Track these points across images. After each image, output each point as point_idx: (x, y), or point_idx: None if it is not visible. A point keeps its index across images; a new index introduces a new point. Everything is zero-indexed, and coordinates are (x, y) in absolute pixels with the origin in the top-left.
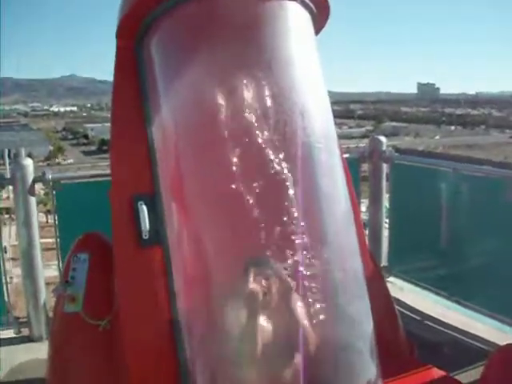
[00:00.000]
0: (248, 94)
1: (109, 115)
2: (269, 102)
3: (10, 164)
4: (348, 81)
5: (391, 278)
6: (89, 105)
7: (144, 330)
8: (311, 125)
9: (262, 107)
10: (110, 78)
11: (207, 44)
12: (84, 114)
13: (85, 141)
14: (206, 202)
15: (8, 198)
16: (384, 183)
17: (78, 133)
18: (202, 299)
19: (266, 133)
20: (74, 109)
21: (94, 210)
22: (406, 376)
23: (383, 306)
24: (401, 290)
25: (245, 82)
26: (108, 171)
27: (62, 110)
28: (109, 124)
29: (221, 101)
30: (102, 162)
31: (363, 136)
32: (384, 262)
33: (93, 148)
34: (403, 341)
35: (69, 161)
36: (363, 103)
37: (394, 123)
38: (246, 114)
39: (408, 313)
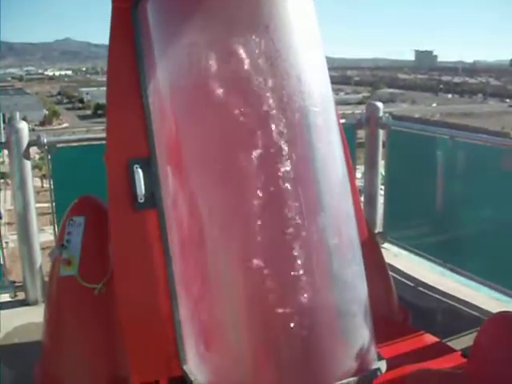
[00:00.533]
0: (244, 57)
1: (104, 79)
2: (265, 65)
3: (4, 128)
4: (345, 47)
5: (386, 245)
6: (84, 69)
7: (139, 293)
8: (308, 89)
9: (258, 70)
10: (104, 41)
11: (203, 6)
12: (79, 78)
13: (80, 105)
14: (201, 166)
15: (2, 162)
16: (380, 150)
17: (73, 97)
18: (196, 262)
19: (262, 96)
20: (69, 73)
21: (89, 173)
22: (399, 342)
23: (377, 273)
24: (395, 256)
25: (241, 44)
26: (104, 135)
27: (57, 73)
28: (104, 88)
29: (216, 63)
30: (97, 126)
31: (359, 102)
32: (379, 229)
33: (88, 112)
34: (397, 307)
35: (64, 125)
36: (360, 69)
37: (390, 90)
38: (242, 77)
39: (402, 279)
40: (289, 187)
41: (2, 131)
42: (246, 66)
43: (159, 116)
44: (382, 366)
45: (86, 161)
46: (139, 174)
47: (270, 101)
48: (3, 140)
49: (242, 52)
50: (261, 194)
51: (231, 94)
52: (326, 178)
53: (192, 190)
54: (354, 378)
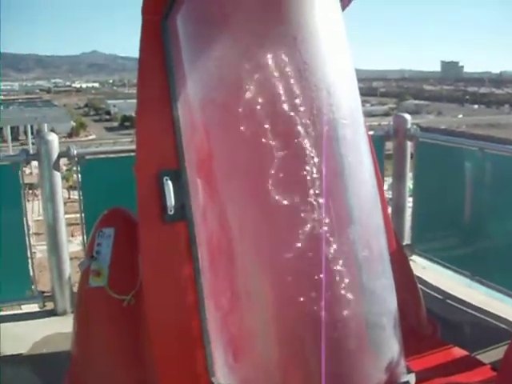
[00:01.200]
0: (274, 69)
1: (131, 92)
2: (295, 78)
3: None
4: (371, 58)
5: (414, 257)
6: (111, 81)
7: (167, 305)
8: (337, 101)
9: (287, 83)
10: (131, 54)
11: (233, 18)
12: (106, 90)
13: (107, 117)
14: (231, 178)
15: (31, 173)
16: (408, 161)
17: (100, 109)
18: (226, 274)
19: (291, 109)
20: (96, 85)
21: (118, 185)
22: (428, 355)
23: (406, 285)
24: (423, 268)
25: (271, 56)
26: (132, 147)
27: (85, 86)
28: (131, 100)
29: (246, 76)
30: (124, 138)
31: (385, 114)
32: (407, 241)
33: (115, 124)
34: (425, 320)
35: (91, 137)
36: (386, 80)
37: (416, 101)
38: (272, 90)
39: (430, 292)
40: (319, 200)
41: (31, 143)
42: (275, 79)
43: (189, 128)
44: (412, 379)
45: (114, 172)
46: (169, 185)
47: (300, 114)
48: (31, 152)
49: (271, 64)
50: (291, 208)
51: (261, 107)
52: (356, 191)
53: (222, 202)
54: None
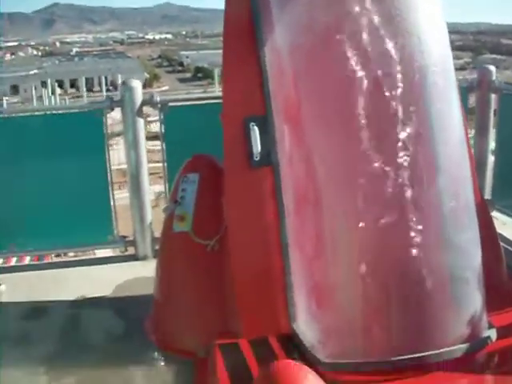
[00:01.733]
0: (364, 15)
1: (204, 43)
2: (385, 24)
3: (106, 91)
4: (447, 11)
5: (494, 213)
6: (184, 32)
7: (252, 251)
8: (428, 48)
9: (377, 29)
10: (204, 5)
11: None
12: (179, 42)
13: (180, 68)
14: (319, 124)
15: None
16: (492, 115)
17: (173, 60)
18: (311, 221)
19: (381, 54)
20: (169, 36)
21: (200, 133)
22: (508, 311)
23: (488, 240)
24: (504, 224)
25: (360, 2)
26: (216, 94)
27: (158, 37)
28: (204, 51)
29: (336, 21)
30: (196, 90)
31: (461, 68)
32: (487, 196)
33: (188, 75)
34: (506, 276)
35: (164, 88)
36: (462, 34)
37: (493, 56)
38: (362, 35)
39: (510, 248)
40: (408, 147)
41: (104, 94)
42: (365, 25)
43: (277, 74)
44: (493, 334)
45: (197, 120)
46: (255, 131)
47: (390, 60)
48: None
49: (361, 10)
50: (379, 155)
51: (350, 53)
52: (444, 139)
53: (309, 148)
54: (465, 345)
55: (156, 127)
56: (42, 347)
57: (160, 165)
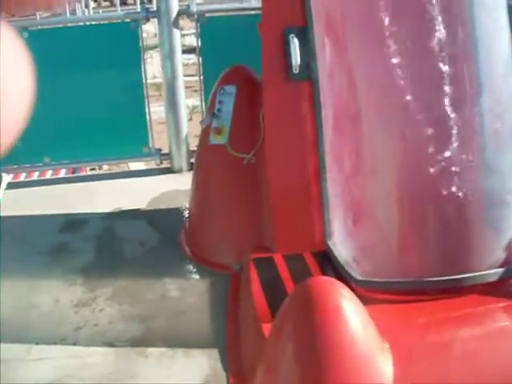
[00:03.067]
0: None
1: None
2: None
3: (140, 3)
4: None
5: None
6: None
7: (289, 165)
8: None
9: None
10: None
11: None
12: None
13: None
14: (362, 37)
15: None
16: None
17: None
18: (350, 137)
19: None
20: None
21: (238, 45)
22: None
23: None
24: None
25: None
26: (255, 5)
27: None
28: None
29: None
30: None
31: None
32: None
33: None
34: None
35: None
36: None
37: None
38: None
39: None
40: (451, 65)
41: (139, 7)
42: None
43: None
44: None
45: (234, 31)
46: (295, 43)
47: None
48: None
49: None
50: (423, 72)
51: None
52: (491, 58)
53: (351, 62)
54: (500, 270)
55: (189, 40)
56: (79, 259)
57: (193, 78)
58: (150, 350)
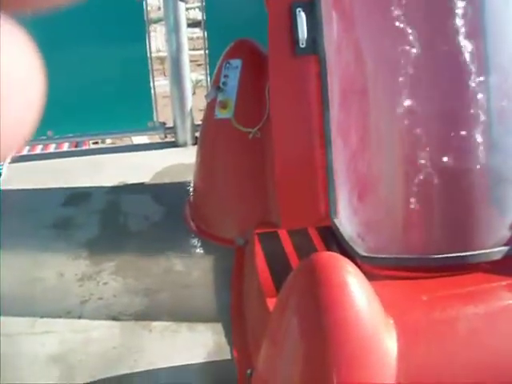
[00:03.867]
0: None
1: None
2: None
3: None
4: None
5: None
6: None
7: (294, 141)
8: None
9: None
10: None
11: None
12: None
13: None
14: (370, 12)
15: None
16: None
17: None
18: (357, 112)
19: None
20: None
21: (244, 18)
22: None
23: None
24: None
25: None
26: None
27: None
28: None
29: None
30: None
31: None
32: None
33: None
34: None
35: None
36: None
37: None
38: None
39: None
40: (460, 40)
41: None
42: None
43: None
44: None
45: (239, 4)
46: (302, 17)
47: None
48: None
49: None
50: (430, 47)
51: None
52: (500, 35)
53: (358, 37)
54: (506, 248)
55: (193, 14)
56: (83, 232)
57: (197, 52)
58: (155, 323)
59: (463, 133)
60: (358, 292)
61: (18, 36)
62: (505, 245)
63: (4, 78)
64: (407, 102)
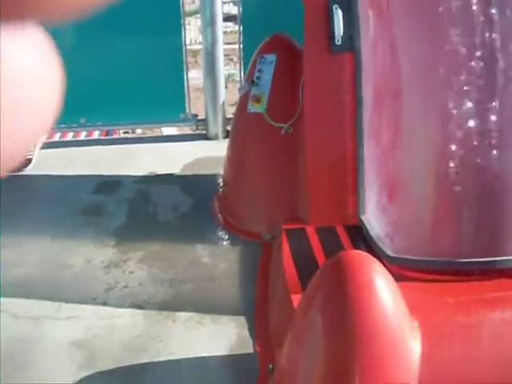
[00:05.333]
0: None
1: None
2: None
3: None
4: None
5: None
6: None
7: (327, 138)
8: None
9: None
10: None
11: None
12: None
13: None
14: (408, 12)
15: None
16: None
17: None
18: (390, 111)
19: None
20: None
21: (280, 14)
22: None
23: None
24: None
25: None
26: None
27: None
28: None
29: None
30: None
31: None
32: None
33: None
34: None
35: None
36: None
37: None
38: None
39: None
40: (498, 40)
41: None
42: None
43: None
44: None
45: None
46: (338, 14)
47: None
48: None
49: None
50: (465, 49)
51: None
52: None
53: (395, 37)
54: None
55: (226, 8)
56: (111, 220)
57: (230, 47)
58: (179, 314)
59: (499, 133)
60: (384, 292)
61: (35, 37)
62: None
63: (22, 75)
64: (441, 104)
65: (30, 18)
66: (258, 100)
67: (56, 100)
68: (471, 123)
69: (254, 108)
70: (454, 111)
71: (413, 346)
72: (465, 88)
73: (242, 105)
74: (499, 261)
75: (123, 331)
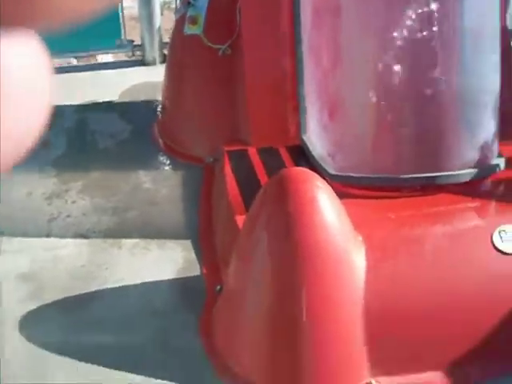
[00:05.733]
0: None
1: None
2: None
3: None
4: None
5: None
6: None
7: (266, 58)
8: None
9: None
10: None
11: None
12: None
13: None
14: None
15: None
16: None
17: None
18: (329, 30)
19: None
20: None
21: None
22: None
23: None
24: None
25: None
26: None
27: None
28: None
29: None
30: None
31: None
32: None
33: None
34: None
35: None
36: None
37: None
38: None
39: None
40: None
41: None
42: None
43: None
44: (502, 163)
45: None
46: None
47: None
48: None
49: None
50: None
51: None
52: None
53: None
54: (473, 170)
55: None
56: (51, 151)
57: None
58: (124, 241)
59: (435, 52)
60: (327, 208)
61: (27, 40)
62: (473, 167)
63: (14, 81)
64: (380, 22)
65: (31, 24)
66: (194, 21)
67: (48, 105)
68: (409, 44)
69: (190, 30)
70: (392, 32)
71: (357, 261)
72: (404, 7)
73: (178, 28)
74: (439, 176)
75: (69, 261)
